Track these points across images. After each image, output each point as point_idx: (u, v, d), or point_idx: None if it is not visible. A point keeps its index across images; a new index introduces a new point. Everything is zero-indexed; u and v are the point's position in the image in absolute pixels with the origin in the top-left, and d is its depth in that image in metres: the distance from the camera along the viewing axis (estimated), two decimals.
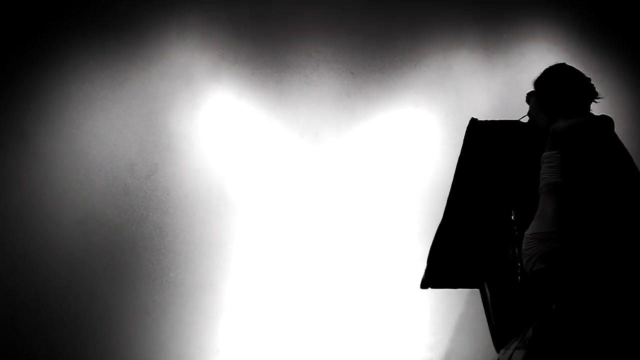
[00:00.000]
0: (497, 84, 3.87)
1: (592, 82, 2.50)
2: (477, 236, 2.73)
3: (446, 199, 3.25)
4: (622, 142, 2.49)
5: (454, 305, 3.59)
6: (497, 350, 2.62)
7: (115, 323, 3.42)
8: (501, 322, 2.60)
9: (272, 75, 3.76)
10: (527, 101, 2.73)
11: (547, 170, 2.36)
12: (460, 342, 3.58)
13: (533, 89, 2.69)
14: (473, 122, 2.81)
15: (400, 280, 3.61)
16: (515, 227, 2.63)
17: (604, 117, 2.34)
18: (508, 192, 2.69)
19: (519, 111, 3.81)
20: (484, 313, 2.76)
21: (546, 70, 2.58)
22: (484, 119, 2.83)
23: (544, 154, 2.41)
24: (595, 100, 2.49)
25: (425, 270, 2.82)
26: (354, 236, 3.64)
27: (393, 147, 3.76)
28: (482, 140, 2.77)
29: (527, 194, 2.57)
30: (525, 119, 2.76)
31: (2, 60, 3.59)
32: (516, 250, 2.58)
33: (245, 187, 3.63)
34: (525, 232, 2.33)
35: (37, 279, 3.40)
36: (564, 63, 2.58)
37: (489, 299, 2.68)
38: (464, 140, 2.79)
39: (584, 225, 2.22)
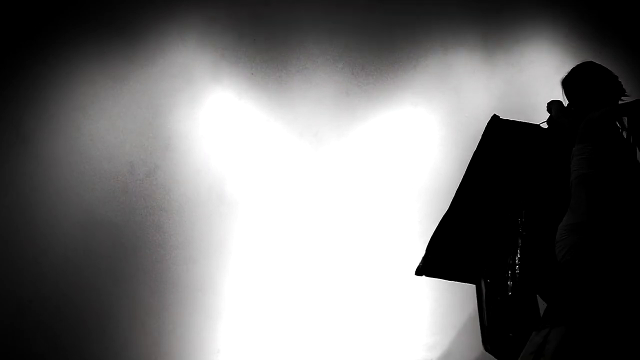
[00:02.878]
0: (497, 84, 3.88)
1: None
2: (481, 232, 2.72)
3: (446, 198, 3.23)
4: None
5: (454, 305, 3.59)
6: (485, 348, 2.62)
7: (115, 323, 3.42)
8: (493, 321, 2.60)
9: (272, 75, 3.77)
10: (549, 110, 2.74)
11: (577, 162, 2.37)
12: (460, 342, 3.58)
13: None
14: (494, 118, 2.81)
15: (400, 281, 3.61)
16: (521, 229, 2.63)
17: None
18: (518, 194, 2.69)
19: (519, 111, 3.82)
20: (477, 309, 2.76)
21: (574, 69, 2.60)
22: (505, 118, 2.83)
23: (575, 147, 2.42)
24: (622, 98, 2.52)
25: (423, 257, 2.80)
26: (354, 236, 3.64)
27: (393, 147, 3.76)
28: (500, 138, 2.77)
29: (538, 197, 2.57)
30: (545, 125, 2.77)
31: (2, 60, 3.59)
32: (517, 253, 2.58)
33: (245, 187, 3.64)
34: (560, 224, 2.34)
35: (37, 279, 3.40)
36: (592, 61, 2.60)
37: (484, 296, 2.68)
38: (483, 135, 2.79)
39: (612, 216, 2.22)
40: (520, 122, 2.82)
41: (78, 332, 3.38)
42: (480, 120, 3.78)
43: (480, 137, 2.78)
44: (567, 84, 2.60)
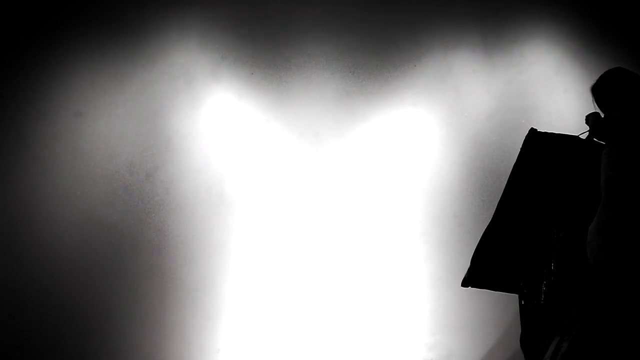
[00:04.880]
0: (497, 84, 3.87)
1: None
2: (521, 243, 2.76)
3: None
4: None
5: (454, 305, 3.59)
6: (526, 356, 2.66)
7: (116, 323, 3.42)
8: (527, 330, 2.65)
9: (272, 75, 3.76)
10: (587, 122, 2.73)
11: (603, 165, 2.37)
12: (460, 342, 3.58)
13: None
14: (532, 132, 2.82)
15: (400, 281, 3.61)
16: (555, 241, 2.66)
17: None
18: (558, 205, 2.72)
19: (519, 111, 3.84)
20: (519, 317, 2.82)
21: (603, 75, 2.59)
22: (543, 130, 2.84)
23: (603, 151, 2.42)
24: None
25: (469, 269, 2.85)
26: (354, 236, 3.64)
27: (393, 147, 3.76)
28: (538, 151, 2.79)
29: (576, 208, 2.59)
30: (584, 136, 2.77)
31: (2, 60, 3.59)
32: (551, 264, 2.62)
33: (245, 188, 3.63)
34: (589, 226, 2.35)
35: (38, 279, 3.40)
36: (620, 67, 2.59)
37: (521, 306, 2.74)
38: (522, 148, 2.81)
39: (635, 217, 2.23)
40: (558, 134, 2.83)
41: (79, 332, 3.38)
42: (480, 120, 3.80)
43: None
44: (597, 90, 2.59)
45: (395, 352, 3.54)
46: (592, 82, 2.60)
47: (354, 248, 3.63)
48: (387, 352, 3.53)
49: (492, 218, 2.80)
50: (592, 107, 2.60)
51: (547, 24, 3.98)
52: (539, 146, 2.78)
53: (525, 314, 2.69)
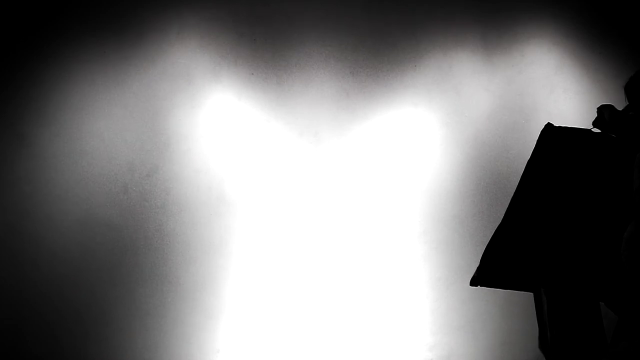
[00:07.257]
0: (497, 84, 3.88)
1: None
2: (539, 241, 2.67)
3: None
4: None
5: (454, 305, 3.59)
6: (545, 355, 2.60)
7: (115, 323, 3.42)
8: (555, 330, 2.59)
9: (272, 76, 3.77)
10: (600, 114, 2.67)
11: (635, 173, 2.31)
12: (460, 342, 3.58)
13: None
14: (548, 126, 2.76)
15: (400, 280, 3.61)
16: (580, 238, 2.60)
17: None
18: (576, 201, 2.65)
19: (519, 111, 3.84)
20: (536, 317, 2.74)
21: (637, 73, 2.55)
22: (558, 125, 2.78)
23: (637, 155, 2.34)
24: None
25: (478, 267, 2.74)
26: (354, 236, 3.64)
27: (393, 147, 3.76)
28: (555, 146, 2.72)
29: (596, 203, 2.54)
30: (596, 130, 2.72)
31: (2, 60, 3.59)
32: (578, 262, 2.57)
33: (245, 188, 3.64)
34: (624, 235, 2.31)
35: (37, 279, 3.40)
36: None
37: (544, 306, 2.66)
38: (537, 144, 2.74)
39: None
40: (573, 128, 2.77)
41: (78, 332, 3.38)
42: (480, 120, 3.81)
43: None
44: (630, 89, 2.54)
45: (395, 351, 3.54)
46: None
47: (354, 248, 3.63)
48: (387, 351, 3.53)
49: (505, 215, 2.69)
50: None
51: (547, 24, 3.99)
52: (556, 141, 2.70)
53: (550, 312, 2.62)
